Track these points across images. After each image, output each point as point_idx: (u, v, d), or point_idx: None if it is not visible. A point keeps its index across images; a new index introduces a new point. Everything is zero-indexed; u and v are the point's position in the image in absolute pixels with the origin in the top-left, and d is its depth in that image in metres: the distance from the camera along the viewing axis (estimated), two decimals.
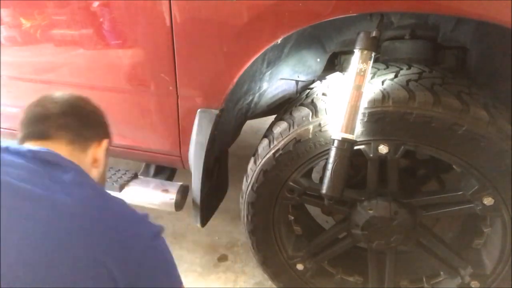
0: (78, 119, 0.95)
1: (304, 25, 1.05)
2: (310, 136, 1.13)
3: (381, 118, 1.05)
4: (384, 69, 1.19)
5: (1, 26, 1.44)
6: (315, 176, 1.36)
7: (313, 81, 1.40)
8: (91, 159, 0.97)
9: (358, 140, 1.07)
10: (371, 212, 1.18)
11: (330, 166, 1.04)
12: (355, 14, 1.00)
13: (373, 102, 1.06)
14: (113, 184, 1.57)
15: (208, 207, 1.53)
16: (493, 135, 0.99)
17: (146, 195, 1.55)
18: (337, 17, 1.01)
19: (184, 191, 1.55)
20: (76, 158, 0.91)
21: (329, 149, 1.07)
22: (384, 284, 1.31)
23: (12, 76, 1.57)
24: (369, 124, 1.07)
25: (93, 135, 0.98)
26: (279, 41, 1.08)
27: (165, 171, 1.78)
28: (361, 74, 1.02)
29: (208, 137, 1.27)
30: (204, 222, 1.52)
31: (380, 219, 1.18)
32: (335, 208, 1.28)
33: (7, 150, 0.84)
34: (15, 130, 1.73)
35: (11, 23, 1.42)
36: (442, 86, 1.07)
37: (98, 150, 0.98)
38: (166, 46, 1.19)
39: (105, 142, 1.01)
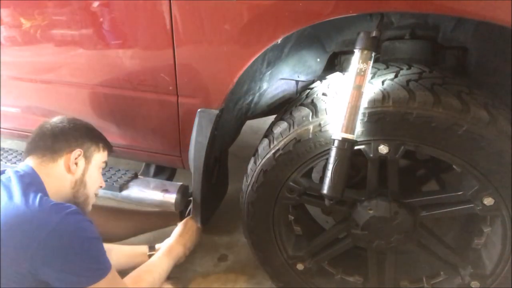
0: (49, 137, 1.20)
1: (304, 25, 1.05)
2: (310, 136, 1.13)
3: (381, 118, 1.05)
4: (384, 69, 1.19)
5: (1, 26, 1.44)
6: (315, 176, 1.36)
7: (313, 81, 1.40)
8: (65, 167, 1.19)
9: (358, 140, 1.07)
10: (371, 212, 1.18)
11: (330, 166, 1.04)
12: (355, 14, 1.00)
13: (373, 102, 1.06)
14: (113, 184, 1.57)
15: (208, 207, 1.53)
16: (493, 135, 0.99)
17: (146, 195, 1.55)
18: (337, 17, 1.01)
19: (184, 191, 1.55)
20: (45, 168, 1.17)
21: (329, 149, 1.07)
22: (384, 284, 1.31)
23: (12, 76, 1.58)
24: (369, 124, 1.07)
25: (62, 147, 1.20)
26: (279, 41, 1.08)
27: (165, 171, 1.78)
28: (361, 74, 1.02)
29: (208, 137, 1.27)
30: (204, 222, 1.52)
31: (380, 219, 1.18)
32: (335, 208, 1.28)
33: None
34: (15, 130, 1.75)
35: (11, 23, 1.42)
36: (442, 86, 1.07)
37: (66, 159, 1.19)
38: (166, 46, 1.19)
39: (74, 152, 1.20)
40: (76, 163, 1.21)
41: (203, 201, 1.43)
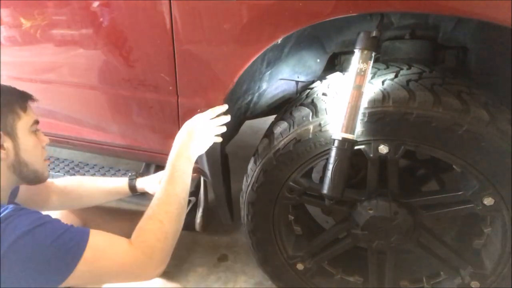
0: None
1: (304, 25, 1.05)
2: (310, 136, 1.13)
3: (381, 118, 1.05)
4: (384, 69, 1.19)
5: (1, 26, 1.44)
6: (315, 176, 1.36)
7: (313, 81, 1.40)
8: None
9: (358, 140, 1.07)
10: (371, 212, 1.18)
11: (330, 166, 1.04)
12: (355, 14, 1.00)
13: (373, 102, 1.06)
14: None
15: (231, 204, 1.51)
16: (493, 135, 0.99)
17: (146, 195, 1.55)
18: (337, 17, 1.01)
19: None
20: None
21: (329, 149, 1.07)
22: (384, 284, 1.31)
23: (12, 76, 1.57)
24: (369, 124, 1.07)
25: None
26: (279, 41, 1.08)
27: None
28: (361, 74, 1.02)
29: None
30: (233, 217, 1.52)
31: (380, 219, 1.18)
32: (335, 208, 1.28)
33: None
34: None
35: (11, 23, 1.42)
36: (442, 86, 1.07)
37: None
38: (166, 46, 1.19)
39: None
40: (3, 148, 1.00)
41: (228, 199, 1.44)
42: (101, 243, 0.95)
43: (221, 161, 1.34)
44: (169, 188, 1.09)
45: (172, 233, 1.04)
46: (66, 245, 0.89)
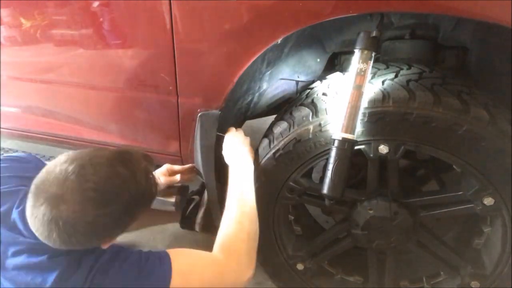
0: None
1: (304, 25, 1.05)
2: (310, 136, 1.13)
3: (381, 118, 1.05)
4: (384, 69, 1.19)
5: (1, 26, 1.44)
6: (315, 176, 1.36)
7: (313, 81, 1.40)
8: None
9: (358, 140, 1.07)
10: (371, 212, 1.18)
11: (330, 166, 1.04)
12: (355, 14, 1.00)
13: (373, 102, 1.06)
14: None
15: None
16: (493, 135, 0.99)
17: None
18: (337, 17, 1.01)
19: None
20: None
21: (329, 149, 1.07)
22: (384, 284, 1.31)
23: (12, 76, 1.57)
24: (369, 124, 1.07)
25: None
26: (279, 41, 1.08)
27: None
28: (362, 74, 1.02)
29: (214, 139, 1.27)
30: None
31: (380, 219, 1.18)
32: (335, 208, 1.28)
33: None
34: (15, 130, 1.75)
35: (11, 23, 1.42)
36: (442, 86, 1.07)
37: None
38: (166, 46, 1.19)
39: None
40: None
41: (221, 202, 1.43)
42: (185, 266, 0.92)
43: (215, 162, 1.33)
44: (240, 190, 1.13)
45: (253, 232, 1.07)
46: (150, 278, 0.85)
